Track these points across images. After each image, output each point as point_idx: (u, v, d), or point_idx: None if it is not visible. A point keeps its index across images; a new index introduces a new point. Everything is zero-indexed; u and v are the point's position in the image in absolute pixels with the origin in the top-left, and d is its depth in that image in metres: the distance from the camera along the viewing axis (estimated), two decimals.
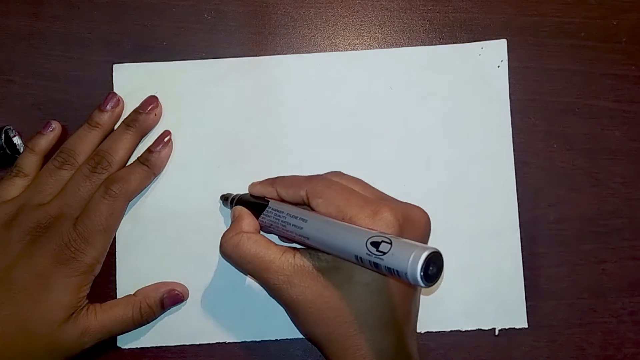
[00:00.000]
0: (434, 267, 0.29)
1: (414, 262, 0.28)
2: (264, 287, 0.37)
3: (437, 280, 0.29)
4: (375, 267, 0.30)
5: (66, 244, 0.38)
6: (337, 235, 0.32)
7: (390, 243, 0.30)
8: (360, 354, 0.33)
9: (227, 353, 0.41)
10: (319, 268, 0.34)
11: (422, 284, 0.28)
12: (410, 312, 0.36)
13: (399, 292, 0.34)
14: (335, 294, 0.34)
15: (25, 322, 0.37)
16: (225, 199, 0.41)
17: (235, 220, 0.38)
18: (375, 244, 0.30)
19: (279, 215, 0.36)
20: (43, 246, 0.38)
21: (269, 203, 0.37)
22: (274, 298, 0.37)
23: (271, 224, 0.37)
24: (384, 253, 0.30)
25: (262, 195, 0.39)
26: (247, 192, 0.40)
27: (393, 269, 0.29)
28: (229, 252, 0.36)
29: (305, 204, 0.36)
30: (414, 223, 0.35)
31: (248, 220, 0.37)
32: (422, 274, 0.28)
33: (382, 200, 0.35)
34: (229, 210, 0.41)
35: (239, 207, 0.39)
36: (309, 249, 0.35)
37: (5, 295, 0.37)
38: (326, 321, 0.34)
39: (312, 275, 0.34)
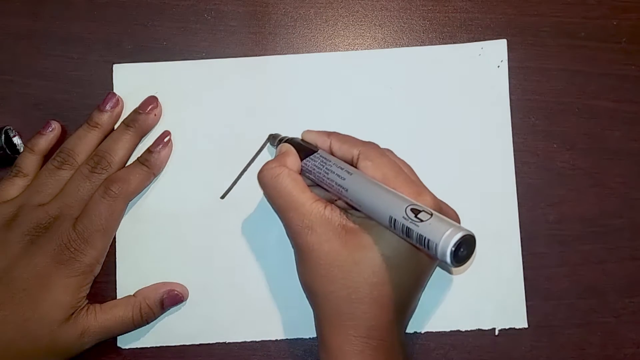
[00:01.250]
0: (465, 249, 0.29)
1: (449, 237, 0.29)
2: (285, 227, 0.37)
3: (463, 263, 0.30)
4: (407, 234, 0.31)
5: (66, 245, 0.38)
6: (378, 194, 0.33)
7: (431, 215, 0.31)
8: (352, 324, 0.33)
9: (227, 353, 0.41)
10: (345, 226, 0.34)
11: (448, 260, 0.29)
12: (411, 303, 0.36)
13: (412, 279, 0.35)
14: (352, 255, 0.34)
15: (25, 323, 0.37)
16: (273, 137, 0.41)
17: (280, 155, 0.38)
18: (415, 211, 0.31)
19: (324, 162, 0.36)
20: (43, 246, 0.38)
21: (318, 150, 0.38)
22: (290, 240, 0.37)
23: (314, 169, 0.37)
24: (422, 221, 0.30)
25: (315, 142, 0.39)
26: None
27: (425, 239, 0.30)
28: (266, 181, 0.36)
29: (353, 164, 0.36)
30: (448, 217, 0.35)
31: (293, 158, 0.37)
32: (452, 249, 0.29)
33: (426, 187, 0.36)
34: (228, 210, 0.41)
35: (287, 145, 0.39)
36: (342, 208, 0.36)
37: (5, 295, 0.37)
38: (331, 279, 0.34)
39: (336, 230, 0.34)
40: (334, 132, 0.39)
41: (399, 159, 0.38)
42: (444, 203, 0.37)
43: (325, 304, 0.34)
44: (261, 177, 0.37)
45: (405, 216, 0.31)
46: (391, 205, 0.32)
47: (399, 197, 0.32)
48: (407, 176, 0.35)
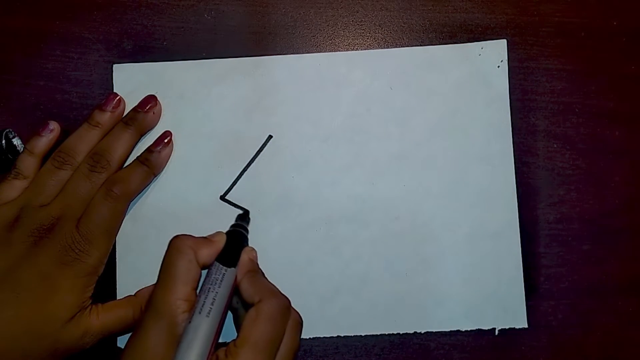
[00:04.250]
0: None
1: None
2: (153, 289, 0.35)
3: None
4: None
5: (70, 246, 0.38)
6: (188, 347, 0.32)
7: None
8: None
9: None
10: (176, 336, 0.33)
11: None
12: None
13: None
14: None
15: (29, 323, 0.37)
16: (242, 217, 0.40)
17: (206, 240, 0.37)
18: None
19: (212, 284, 0.34)
20: (47, 248, 0.38)
21: (227, 273, 0.35)
22: (151, 300, 0.35)
23: (206, 279, 0.35)
24: None
25: (239, 264, 0.36)
26: (237, 227, 0.39)
27: None
28: (170, 248, 0.35)
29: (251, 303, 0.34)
30: None
31: (209, 252, 0.36)
32: None
33: None
34: (228, 211, 0.41)
35: (222, 238, 0.37)
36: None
37: (9, 295, 0.37)
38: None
39: (171, 337, 0.33)
40: (256, 271, 0.37)
41: (294, 337, 0.34)
42: None
43: None
44: (171, 242, 0.36)
45: None
46: None
47: None
48: (260, 357, 0.32)
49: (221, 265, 0.35)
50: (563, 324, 0.41)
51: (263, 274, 0.38)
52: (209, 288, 0.34)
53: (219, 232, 0.38)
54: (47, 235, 0.38)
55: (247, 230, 0.40)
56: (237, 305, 0.37)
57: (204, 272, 0.36)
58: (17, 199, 0.40)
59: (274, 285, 0.36)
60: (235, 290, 0.36)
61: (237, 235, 0.38)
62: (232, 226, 0.39)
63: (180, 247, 0.35)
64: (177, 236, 0.36)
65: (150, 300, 0.34)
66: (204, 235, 0.38)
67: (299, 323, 0.35)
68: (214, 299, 0.34)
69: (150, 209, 0.42)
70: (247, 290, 0.35)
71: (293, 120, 0.42)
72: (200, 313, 0.33)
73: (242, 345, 0.32)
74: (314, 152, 0.42)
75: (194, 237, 0.36)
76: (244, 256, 0.37)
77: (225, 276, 0.35)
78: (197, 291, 0.35)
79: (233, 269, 0.35)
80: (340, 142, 0.42)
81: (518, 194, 0.41)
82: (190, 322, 0.33)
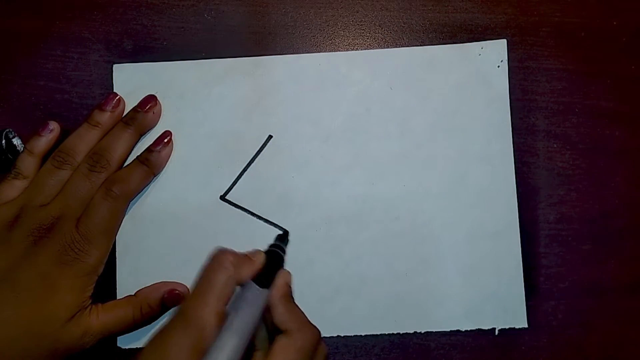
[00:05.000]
0: None
1: None
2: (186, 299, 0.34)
3: None
4: None
5: (70, 246, 0.38)
6: None
7: None
8: None
9: None
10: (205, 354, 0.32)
11: None
12: None
13: None
14: None
15: (29, 323, 0.37)
16: (280, 237, 0.39)
17: (248, 259, 0.35)
18: None
19: (248, 304, 0.34)
20: (46, 247, 0.38)
21: (262, 295, 0.34)
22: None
23: (240, 297, 0.34)
24: None
25: (274, 286, 0.35)
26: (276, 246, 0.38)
27: None
28: (212, 260, 0.34)
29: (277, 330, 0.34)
30: None
31: (248, 271, 0.35)
32: None
33: None
34: (228, 211, 0.41)
35: (262, 259, 0.36)
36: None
37: (8, 295, 0.37)
38: None
39: (196, 348, 0.32)
40: (291, 297, 0.35)
41: None
42: None
43: None
44: (213, 254, 0.35)
45: None
46: None
47: None
48: None
49: (257, 286, 0.34)
50: (563, 324, 0.41)
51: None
52: (242, 306, 0.33)
53: (258, 251, 0.36)
54: (46, 235, 0.38)
55: (284, 252, 0.38)
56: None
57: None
58: (17, 199, 0.40)
59: (305, 315, 0.35)
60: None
61: (275, 257, 0.37)
62: (271, 246, 0.38)
63: (223, 261, 0.34)
64: (220, 250, 0.35)
65: (181, 307, 0.33)
66: (243, 252, 0.36)
67: (326, 356, 0.35)
68: (245, 319, 0.33)
69: (150, 209, 0.42)
70: (282, 315, 0.34)
71: (293, 120, 0.42)
72: (230, 331, 0.32)
73: None
74: (314, 152, 0.42)
75: (236, 253, 0.35)
76: (280, 280, 0.36)
77: (259, 297, 0.34)
78: (227, 307, 0.34)
79: (267, 290, 0.34)
80: (340, 142, 0.42)
81: (518, 194, 0.41)
82: (219, 338, 0.32)
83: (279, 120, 0.42)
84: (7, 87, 0.43)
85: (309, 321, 0.34)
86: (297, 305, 0.35)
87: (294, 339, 0.33)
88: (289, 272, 0.36)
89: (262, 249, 0.36)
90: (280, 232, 0.41)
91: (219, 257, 0.34)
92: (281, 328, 0.34)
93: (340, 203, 0.42)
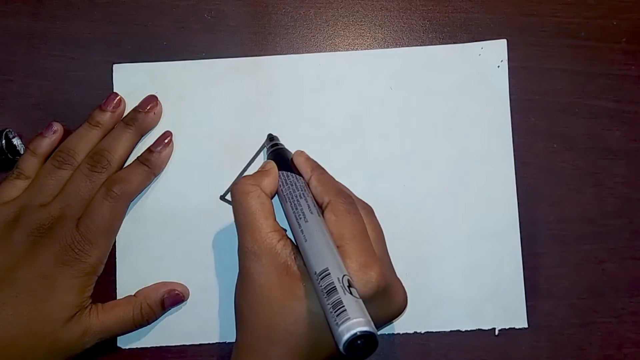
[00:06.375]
0: (363, 345, 0.29)
1: (346, 329, 0.29)
2: (238, 245, 0.36)
3: (360, 355, 0.29)
4: (322, 294, 0.30)
5: (70, 246, 0.38)
6: (319, 247, 0.32)
7: (353, 296, 0.30)
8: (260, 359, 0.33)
9: (227, 353, 0.41)
10: (289, 267, 0.34)
11: (341, 347, 0.29)
12: None
13: (331, 342, 0.32)
14: (282, 298, 0.33)
15: (29, 322, 0.37)
16: (270, 139, 0.41)
17: (260, 172, 0.38)
18: (345, 284, 0.30)
19: (295, 192, 0.36)
20: (46, 247, 0.38)
21: (298, 179, 0.37)
22: (238, 255, 0.36)
23: (285, 193, 0.36)
24: (338, 295, 0.30)
25: (299, 168, 0.38)
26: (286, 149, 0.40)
27: (331, 313, 0.30)
28: (236, 194, 0.36)
29: (321, 208, 0.36)
30: (390, 298, 0.35)
31: (270, 180, 0.37)
32: (345, 344, 0.29)
33: (380, 261, 0.34)
34: (228, 211, 0.41)
35: (271, 163, 0.38)
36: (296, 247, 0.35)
37: (8, 295, 0.37)
38: (257, 312, 0.34)
39: (279, 267, 0.34)
40: (318, 167, 0.38)
41: (373, 222, 0.37)
42: (396, 280, 0.36)
43: (246, 333, 0.34)
44: (234, 190, 0.36)
45: (327, 283, 0.30)
46: (323, 262, 0.31)
47: (336, 261, 0.31)
48: (364, 243, 0.34)
49: (290, 173, 0.37)
50: (563, 324, 0.41)
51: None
52: (297, 195, 0.35)
53: (267, 161, 0.39)
54: (47, 235, 0.38)
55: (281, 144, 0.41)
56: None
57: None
58: (18, 199, 0.40)
59: (337, 181, 0.38)
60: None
61: (280, 152, 0.39)
62: (270, 148, 0.40)
63: (244, 188, 0.36)
64: (236, 182, 0.37)
65: (240, 250, 0.35)
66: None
67: (370, 210, 0.37)
68: (309, 201, 0.35)
69: (150, 209, 0.42)
70: (316, 188, 0.36)
71: (293, 120, 0.42)
72: (311, 213, 0.34)
73: (343, 241, 0.33)
74: (314, 152, 0.42)
75: (250, 175, 0.37)
76: (299, 159, 0.38)
77: (300, 179, 0.37)
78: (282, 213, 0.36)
79: (299, 179, 0.37)
80: (340, 142, 0.42)
81: (518, 194, 0.41)
82: (305, 223, 0.33)
83: (279, 120, 0.42)
84: (6, 87, 0.43)
85: (341, 187, 0.37)
86: (329, 175, 0.38)
87: (334, 209, 0.35)
88: (301, 151, 0.40)
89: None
90: (269, 134, 0.42)
91: (239, 188, 0.36)
92: (318, 202, 0.36)
93: None
